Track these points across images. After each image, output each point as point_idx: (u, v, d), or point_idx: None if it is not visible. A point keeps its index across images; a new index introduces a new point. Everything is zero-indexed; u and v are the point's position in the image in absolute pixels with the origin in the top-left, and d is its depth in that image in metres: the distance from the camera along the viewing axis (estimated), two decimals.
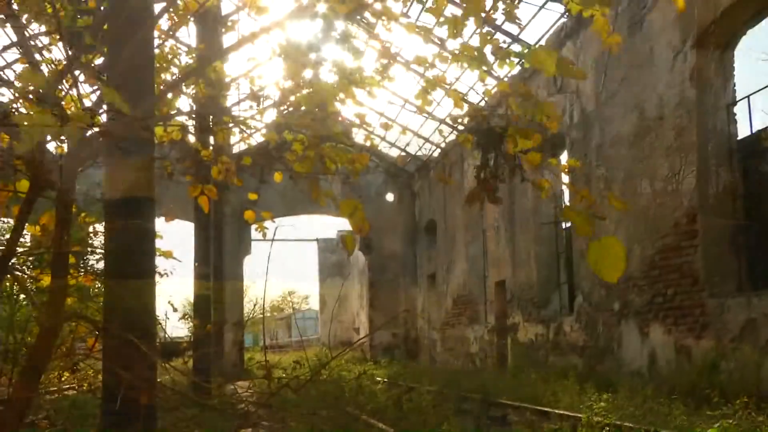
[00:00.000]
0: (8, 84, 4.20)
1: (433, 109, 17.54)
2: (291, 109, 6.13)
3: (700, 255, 11.25)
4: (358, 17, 5.30)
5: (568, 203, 16.39)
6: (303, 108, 5.64)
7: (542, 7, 14.83)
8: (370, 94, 5.74)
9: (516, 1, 5.38)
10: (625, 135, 13.35)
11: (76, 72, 4.56)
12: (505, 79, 16.05)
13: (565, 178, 13.23)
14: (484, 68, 4.96)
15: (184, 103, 21.68)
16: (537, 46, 16.56)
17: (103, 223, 5.13)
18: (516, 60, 6.21)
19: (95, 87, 6.65)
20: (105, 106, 4.66)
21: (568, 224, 17.14)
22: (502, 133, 3.95)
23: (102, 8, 5.32)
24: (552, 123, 3.94)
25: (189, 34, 16.70)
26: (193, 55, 7.42)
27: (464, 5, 4.09)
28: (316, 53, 4.41)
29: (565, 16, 14.96)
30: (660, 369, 12.09)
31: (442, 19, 4.44)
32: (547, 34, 16.24)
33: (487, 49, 5.32)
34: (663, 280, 12.12)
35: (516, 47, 16.16)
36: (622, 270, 2.91)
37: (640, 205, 12.64)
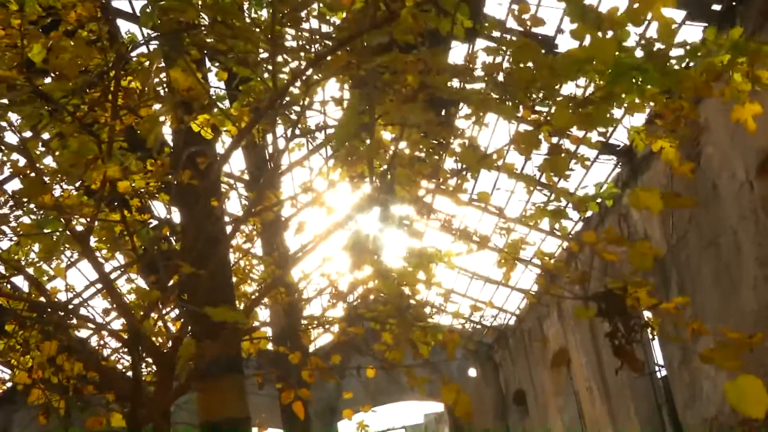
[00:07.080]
0: (101, 327, 4.21)
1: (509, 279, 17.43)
2: (365, 299, 6.08)
3: None
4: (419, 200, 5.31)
5: (660, 350, 15.77)
6: (383, 295, 5.58)
7: (595, 159, 14.89)
8: (449, 264, 5.65)
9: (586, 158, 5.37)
10: (706, 274, 12.97)
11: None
12: (570, 235, 15.96)
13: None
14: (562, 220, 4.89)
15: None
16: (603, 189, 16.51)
17: None
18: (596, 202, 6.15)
19: (174, 309, 6.71)
20: (189, 331, 4.64)
21: (664, 374, 16.40)
22: (623, 293, 3.81)
23: (176, 234, 5.42)
24: (648, 262, 3.74)
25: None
26: (267, 264, 7.54)
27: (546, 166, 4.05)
28: (378, 240, 4.36)
29: (619, 166, 14.99)
30: None
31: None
32: (603, 187, 16.22)
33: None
34: None
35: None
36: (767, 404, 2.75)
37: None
